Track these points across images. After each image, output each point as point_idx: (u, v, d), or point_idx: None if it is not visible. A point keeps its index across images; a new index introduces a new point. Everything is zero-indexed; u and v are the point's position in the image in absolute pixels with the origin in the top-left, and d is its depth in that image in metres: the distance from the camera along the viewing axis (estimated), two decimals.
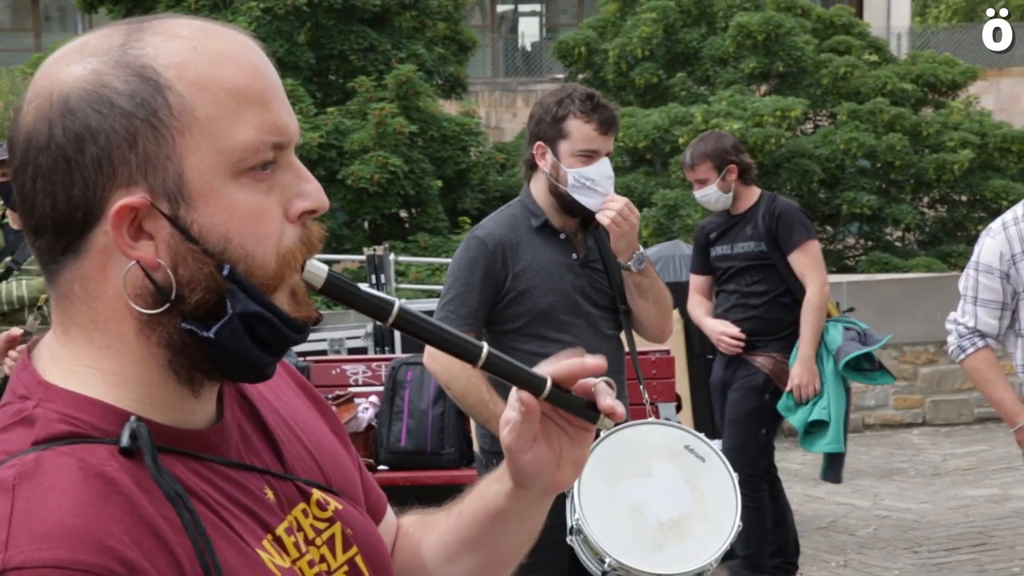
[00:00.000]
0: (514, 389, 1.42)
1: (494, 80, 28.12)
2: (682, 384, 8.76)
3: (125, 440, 1.17)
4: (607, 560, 3.62)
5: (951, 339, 4.67)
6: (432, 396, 6.24)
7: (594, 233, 4.26)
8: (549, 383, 1.40)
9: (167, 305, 1.20)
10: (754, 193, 6.17)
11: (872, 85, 20.31)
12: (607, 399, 1.42)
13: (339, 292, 1.32)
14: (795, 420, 6.04)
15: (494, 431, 4.06)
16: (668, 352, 7.07)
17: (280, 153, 1.25)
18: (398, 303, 1.35)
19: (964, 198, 20.17)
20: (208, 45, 1.23)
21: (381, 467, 6.35)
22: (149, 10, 19.98)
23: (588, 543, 3.67)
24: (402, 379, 6.38)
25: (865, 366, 6.00)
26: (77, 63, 1.21)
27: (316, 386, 6.08)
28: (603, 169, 4.09)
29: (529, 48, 31.20)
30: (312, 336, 8.44)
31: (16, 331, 4.99)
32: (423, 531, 1.59)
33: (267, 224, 1.23)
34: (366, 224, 19.29)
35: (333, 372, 6.81)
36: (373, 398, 6.51)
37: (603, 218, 4.08)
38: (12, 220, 5.57)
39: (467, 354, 1.39)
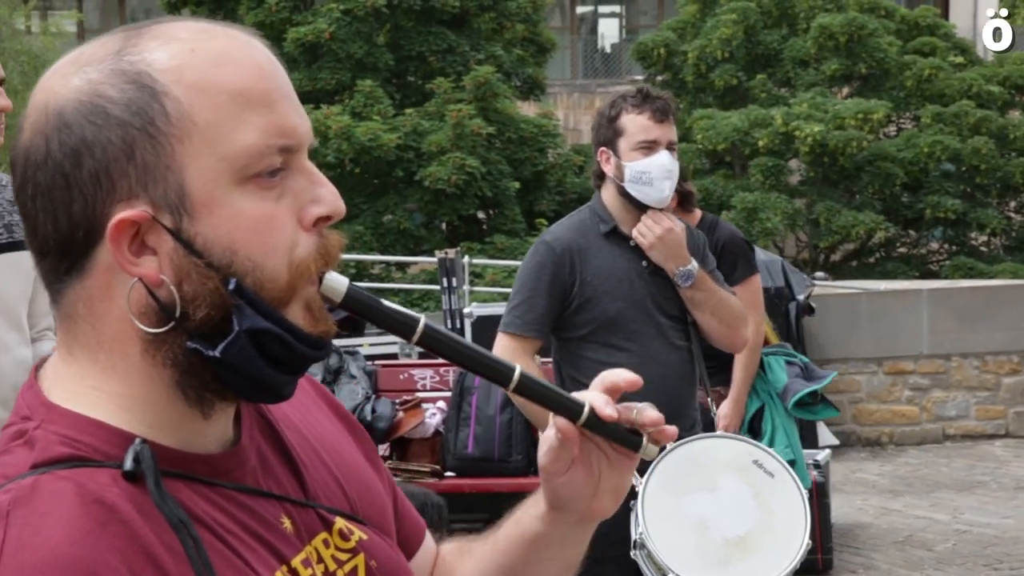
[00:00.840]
0: (551, 416, 1.35)
1: (572, 82, 28.07)
2: None
3: (128, 464, 1.11)
4: (670, 575, 3.55)
5: None
6: (499, 402, 6.19)
7: None
8: (587, 409, 1.32)
9: (172, 323, 1.14)
10: (695, 219, 5.68)
11: (957, 87, 19.99)
12: (651, 417, 1.35)
13: (360, 307, 1.24)
14: None
15: None
16: None
17: (291, 157, 1.18)
18: (423, 320, 1.27)
19: None
20: (207, 46, 1.17)
21: (448, 473, 6.32)
22: (232, 11, 20.18)
23: (651, 558, 3.60)
24: (470, 385, 6.34)
25: (807, 400, 5.70)
26: (73, 74, 1.16)
27: (383, 391, 6.05)
28: (660, 162, 3.98)
29: (608, 50, 31.09)
30: (382, 339, 8.43)
31: None
32: (460, 559, 1.53)
33: (277, 233, 1.16)
34: (443, 225, 19.33)
35: (400, 377, 6.78)
36: (441, 403, 6.48)
37: (633, 231, 4.01)
38: None
39: (498, 376, 1.32)
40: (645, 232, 3.99)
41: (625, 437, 1.35)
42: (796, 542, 3.65)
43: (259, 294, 1.15)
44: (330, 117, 17.81)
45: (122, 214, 1.12)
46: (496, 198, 18.60)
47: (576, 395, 1.35)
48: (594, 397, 1.34)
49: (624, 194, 4.05)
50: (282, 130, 1.17)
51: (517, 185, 18.70)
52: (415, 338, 1.27)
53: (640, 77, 22.66)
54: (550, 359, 4.25)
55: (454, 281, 8.61)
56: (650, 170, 3.98)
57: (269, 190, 1.16)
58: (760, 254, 9.72)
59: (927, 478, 9.13)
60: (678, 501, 3.69)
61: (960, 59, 21.24)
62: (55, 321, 1.21)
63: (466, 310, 8.57)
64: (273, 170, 1.16)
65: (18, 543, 1.05)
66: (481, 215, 19.33)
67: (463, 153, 17.94)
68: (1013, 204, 20.34)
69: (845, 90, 20.73)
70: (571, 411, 1.33)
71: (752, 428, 5.63)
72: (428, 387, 6.68)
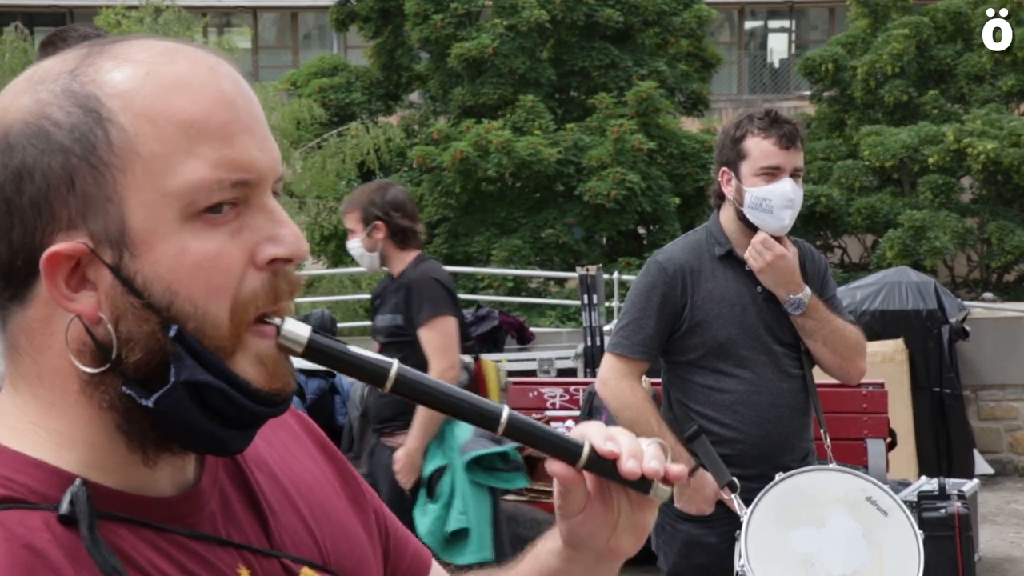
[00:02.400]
0: (547, 461, 1.26)
1: (739, 97, 27.75)
2: (903, 418, 8.37)
3: (64, 507, 1.05)
4: None
5: None
6: None
7: None
8: (587, 450, 1.24)
9: (108, 365, 1.08)
10: (409, 258, 5.35)
11: None
12: (652, 462, 1.23)
13: (325, 358, 1.16)
14: (421, 526, 5.17)
15: None
16: (882, 385, 6.76)
17: (248, 192, 1.10)
18: (396, 365, 1.18)
19: None
20: (163, 71, 1.09)
21: None
22: (398, 28, 20.49)
23: None
24: (599, 405, 6.28)
25: (499, 465, 5.24)
26: (26, 92, 1.10)
27: (513, 407, 6.05)
28: (782, 190, 3.88)
29: (777, 65, 30.68)
30: (521, 356, 8.43)
31: None
32: None
33: (222, 274, 1.08)
34: (603, 240, 19.28)
35: (530, 395, 6.77)
36: (570, 423, 6.44)
37: (745, 254, 3.92)
38: None
39: (484, 420, 1.23)
40: (756, 256, 3.90)
41: (630, 480, 1.25)
42: None
43: (201, 342, 1.08)
44: (491, 131, 17.93)
45: (56, 247, 1.07)
46: (656, 213, 18.49)
47: (575, 433, 1.27)
48: (593, 433, 1.25)
49: (742, 218, 3.96)
50: (237, 164, 1.10)
51: (677, 201, 18.56)
52: (388, 385, 1.19)
53: (808, 92, 22.29)
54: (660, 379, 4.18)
55: (596, 298, 8.55)
56: (771, 198, 3.88)
57: (219, 227, 1.09)
58: (912, 275, 9.48)
59: None
60: (784, 536, 3.59)
61: None
62: (3, 351, 1.17)
63: (606, 327, 8.51)
64: (222, 205, 1.09)
65: None
66: (641, 230, 19.22)
67: (623, 168, 17.88)
68: None
69: (1022, 107, 20.06)
70: (570, 452, 1.24)
71: (430, 486, 5.19)
72: (558, 405, 6.65)
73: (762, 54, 31.36)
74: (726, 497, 3.82)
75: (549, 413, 6.54)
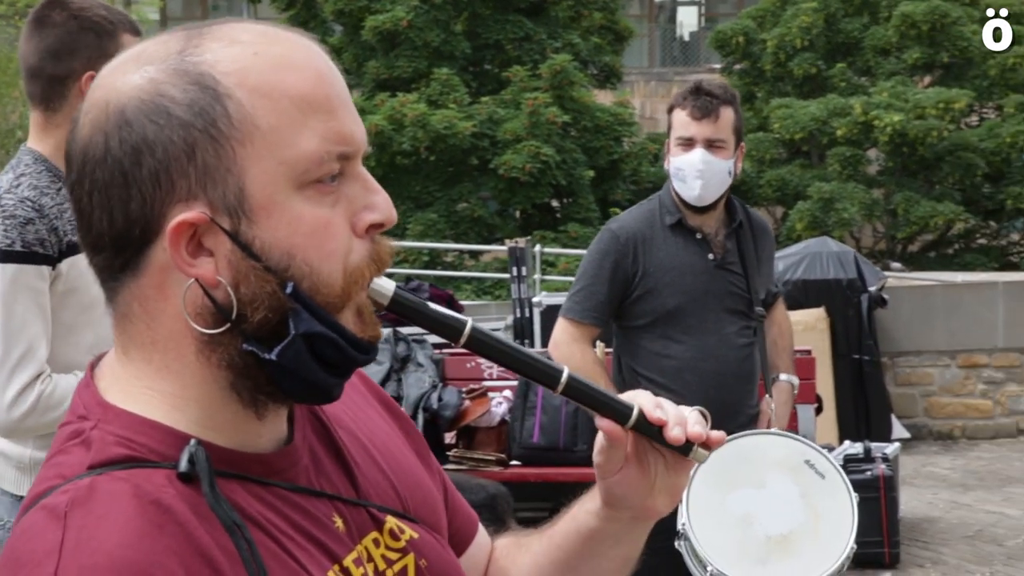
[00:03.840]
0: (596, 418, 1.34)
1: (650, 70, 27.92)
2: (826, 385, 8.59)
3: (183, 465, 1.12)
4: (709, 568, 3.56)
5: None
6: None
7: (737, 233, 4.14)
8: (636, 412, 1.32)
9: (228, 325, 1.15)
10: None
11: None
12: (696, 427, 1.32)
13: (407, 310, 1.25)
14: None
15: None
16: (809, 352, 6.94)
17: (347, 164, 1.18)
18: (470, 323, 1.28)
19: None
20: (270, 50, 1.17)
21: (513, 463, 6.36)
22: (311, 0, 20.32)
23: (693, 550, 3.62)
24: None
25: None
26: (134, 72, 1.16)
27: (450, 379, 6.07)
28: (692, 160, 3.98)
29: (687, 38, 30.90)
30: None
31: None
32: (517, 552, 1.52)
33: (333, 239, 1.16)
34: (517, 214, 19.35)
35: (468, 365, 6.83)
36: (507, 392, 6.52)
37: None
38: None
39: (546, 378, 1.31)
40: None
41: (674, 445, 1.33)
42: (840, 545, 3.63)
43: (314, 299, 1.15)
44: (406, 105, 17.90)
45: (182, 216, 1.13)
46: (570, 187, 18.59)
47: (626, 396, 1.35)
48: (643, 400, 1.33)
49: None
50: (341, 137, 1.17)
51: (592, 174, 18.66)
52: (462, 340, 1.28)
53: (718, 66, 22.50)
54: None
55: (523, 270, 8.64)
56: (684, 167, 4.00)
57: (326, 196, 1.17)
58: (833, 245, 9.71)
59: (999, 472, 9.03)
60: (724, 496, 3.69)
61: None
62: (111, 320, 1.22)
63: (535, 299, 8.60)
64: (331, 176, 1.17)
65: (76, 545, 1.06)
66: (555, 203, 19.31)
67: (538, 141, 17.94)
68: None
69: (927, 79, 20.43)
70: (620, 414, 1.32)
71: None
72: (495, 376, 6.72)
73: (672, 27, 31.56)
74: None
75: (487, 383, 6.61)
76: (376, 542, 1.28)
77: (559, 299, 7.98)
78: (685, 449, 1.33)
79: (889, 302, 9.39)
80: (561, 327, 4.11)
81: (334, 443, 1.31)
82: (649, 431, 1.33)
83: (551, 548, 1.47)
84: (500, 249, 16.58)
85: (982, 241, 20.35)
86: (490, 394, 6.49)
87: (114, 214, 1.15)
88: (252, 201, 1.14)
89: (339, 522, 1.25)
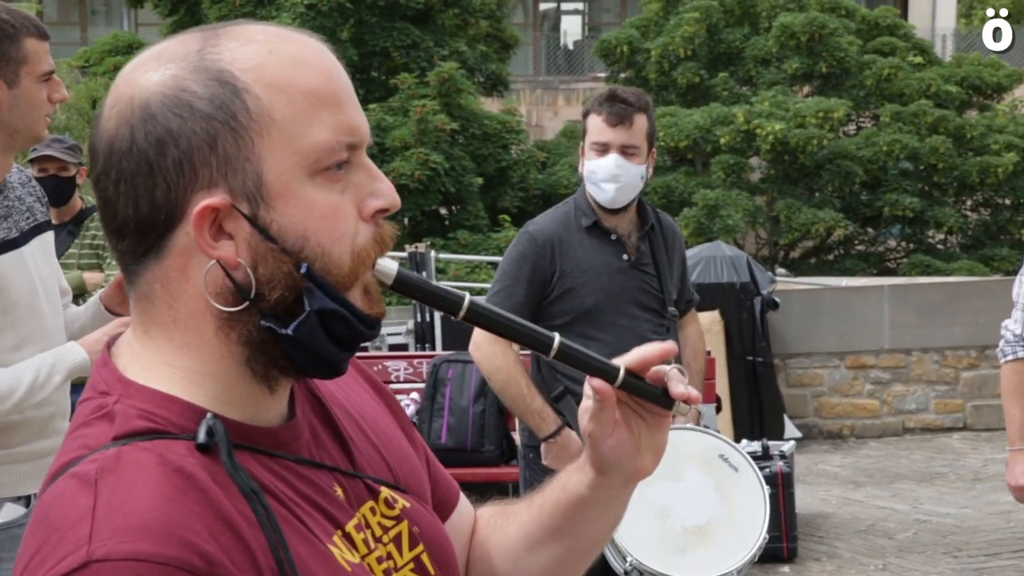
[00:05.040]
0: (587, 378, 1.44)
1: (535, 78, 28.13)
2: (721, 386, 8.76)
3: (202, 436, 1.19)
4: (629, 559, 3.65)
5: (1000, 344, 4.58)
6: (473, 394, 6.27)
7: (649, 235, 4.26)
8: (623, 371, 1.42)
9: (247, 303, 1.23)
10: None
11: (916, 87, 20.23)
12: (680, 386, 1.43)
13: (410, 288, 1.34)
14: None
15: (530, 424, 4.12)
16: (709, 353, 7.06)
17: (353, 153, 1.27)
18: (468, 297, 1.37)
19: (1008, 201, 20.08)
20: (283, 49, 1.25)
21: None
22: (194, 6, 20.12)
23: (613, 541, 3.70)
24: (443, 376, 6.41)
25: None
26: (156, 69, 1.24)
27: None
28: (606, 164, 4.10)
29: (571, 47, 31.17)
30: None
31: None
32: (504, 520, 1.61)
33: (343, 223, 1.25)
34: (406, 221, 19.35)
35: (375, 368, 6.85)
36: (414, 395, 6.55)
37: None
38: (53, 216, 5.62)
39: (539, 344, 1.41)
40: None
41: (659, 397, 1.44)
42: (754, 535, 3.76)
43: (326, 278, 1.24)
44: None
45: (206, 201, 1.21)
46: (459, 194, 18.65)
47: (612, 360, 1.45)
48: (629, 360, 1.43)
49: None
50: (349, 128, 1.26)
51: (480, 181, 18.76)
52: (462, 314, 1.37)
53: (603, 74, 22.77)
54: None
55: (424, 275, 8.65)
56: (598, 171, 4.12)
57: (336, 183, 1.25)
58: (726, 249, 9.89)
59: (888, 469, 9.29)
60: (642, 488, 3.78)
61: (919, 59, 21.48)
62: (130, 302, 1.29)
63: None
64: (340, 164, 1.25)
65: (109, 509, 1.12)
66: (444, 211, 19.36)
67: (427, 148, 17.99)
68: (969, 203, 20.58)
69: (806, 89, 20.91)
70: (608, 374, 1.42)
71: None
72: (402, 378, 6.76)
73: (556, 36, 31.81)
74: None
75: (394, 386, 6.64)
76: (372, 511, 1.37)
77: None
78: (668, 404, 1.44)
79: (780, 306, 9.60)
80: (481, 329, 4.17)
81: (331, 419, 1.40)
82: (634, 388, 1.43)
83: (541, 516, 1.56)
84: (390, 255, 16.56)
85: (861, 247, 20.87)
86: (397, 396, 6.51)
87: (139, 202, 1.22)
88: (269, 188, 1.22)
89: (340, 491, 1.33)
